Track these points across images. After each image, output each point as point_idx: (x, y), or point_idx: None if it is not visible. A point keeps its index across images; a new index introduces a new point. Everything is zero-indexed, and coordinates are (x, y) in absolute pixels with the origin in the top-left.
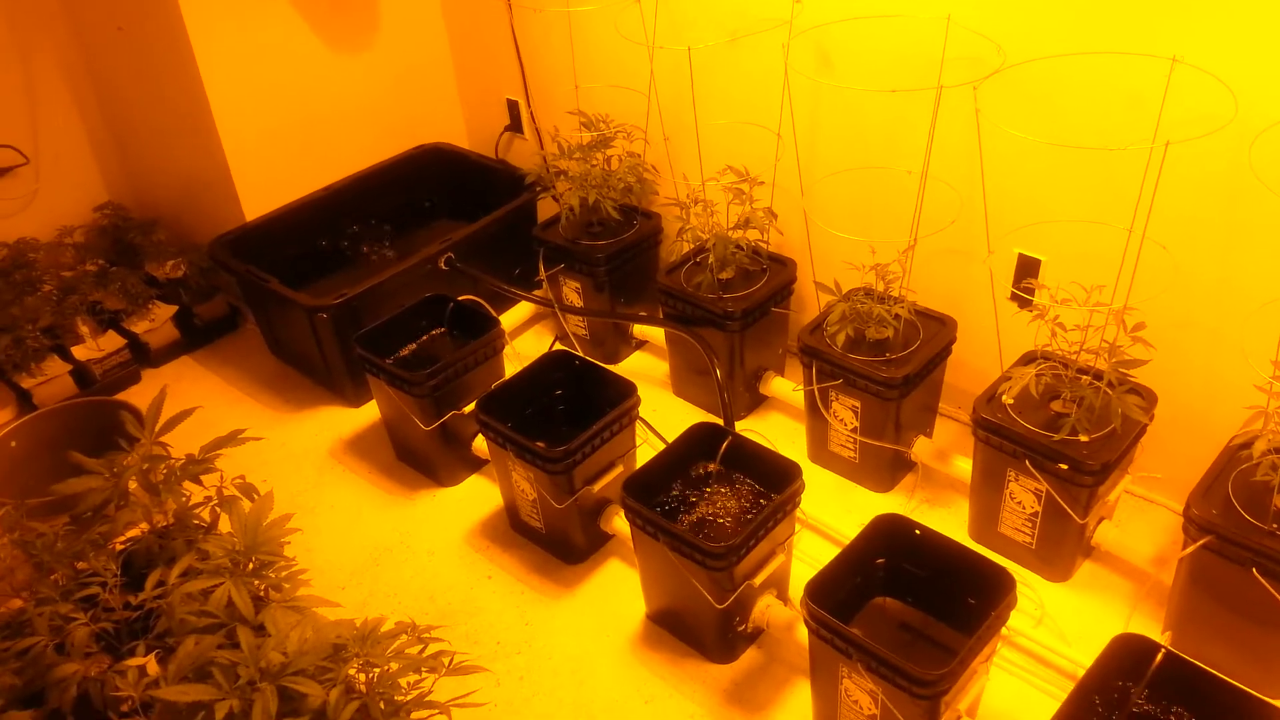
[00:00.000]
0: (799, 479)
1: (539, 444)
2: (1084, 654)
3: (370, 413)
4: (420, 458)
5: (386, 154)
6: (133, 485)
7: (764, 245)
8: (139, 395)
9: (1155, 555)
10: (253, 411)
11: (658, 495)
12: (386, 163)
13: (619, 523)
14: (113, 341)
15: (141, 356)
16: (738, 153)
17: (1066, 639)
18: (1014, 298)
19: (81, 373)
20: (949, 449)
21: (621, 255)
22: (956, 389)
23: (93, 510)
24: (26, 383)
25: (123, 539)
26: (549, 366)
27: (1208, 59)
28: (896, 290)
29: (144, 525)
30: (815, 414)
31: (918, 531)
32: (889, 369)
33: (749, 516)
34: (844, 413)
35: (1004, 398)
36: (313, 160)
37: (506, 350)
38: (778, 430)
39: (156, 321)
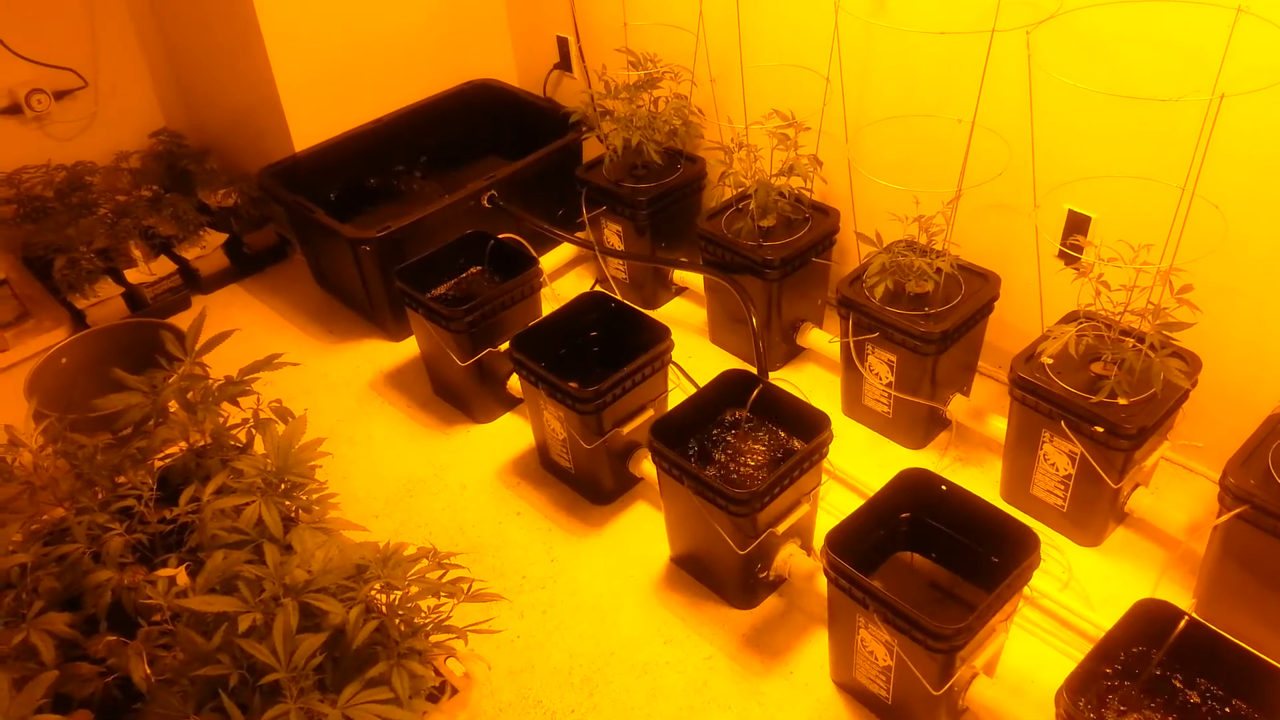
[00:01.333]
0: (827, 429)
1: (571, 384)
2: (1108, 619)
3: (410, 347)
4: (456, 394)
5: (435, 89)
6: (172, 405)
7: (807, 193)
8: (188, 320)
9: (1190, 524)
10: (296, 340)
11: (686, 439)
12: (435, 98)
13: (647, 466)
14: (164, 266)
15: (192, 282)
16: (785, 97)
17: (1092, 603)
18: (1061, 255)
19: (133, 295)
20: (985, 408)
21: (664, 199)
22: (997, 348)
23: (133, 426)
24: (80, 303)
25: (161, 455)
26: (585, 307)
27: (1274, 10)
28: (939, 243)
29: (182, 444)
30: (850, 367)
31: (944, 488)
32: (927, 323)
33: (775, 465)
34: (880, 367)
35: (1043, 357)
36: (362, 93)
37: (545, 291)
38: (813, 382)
39: (207, 249)
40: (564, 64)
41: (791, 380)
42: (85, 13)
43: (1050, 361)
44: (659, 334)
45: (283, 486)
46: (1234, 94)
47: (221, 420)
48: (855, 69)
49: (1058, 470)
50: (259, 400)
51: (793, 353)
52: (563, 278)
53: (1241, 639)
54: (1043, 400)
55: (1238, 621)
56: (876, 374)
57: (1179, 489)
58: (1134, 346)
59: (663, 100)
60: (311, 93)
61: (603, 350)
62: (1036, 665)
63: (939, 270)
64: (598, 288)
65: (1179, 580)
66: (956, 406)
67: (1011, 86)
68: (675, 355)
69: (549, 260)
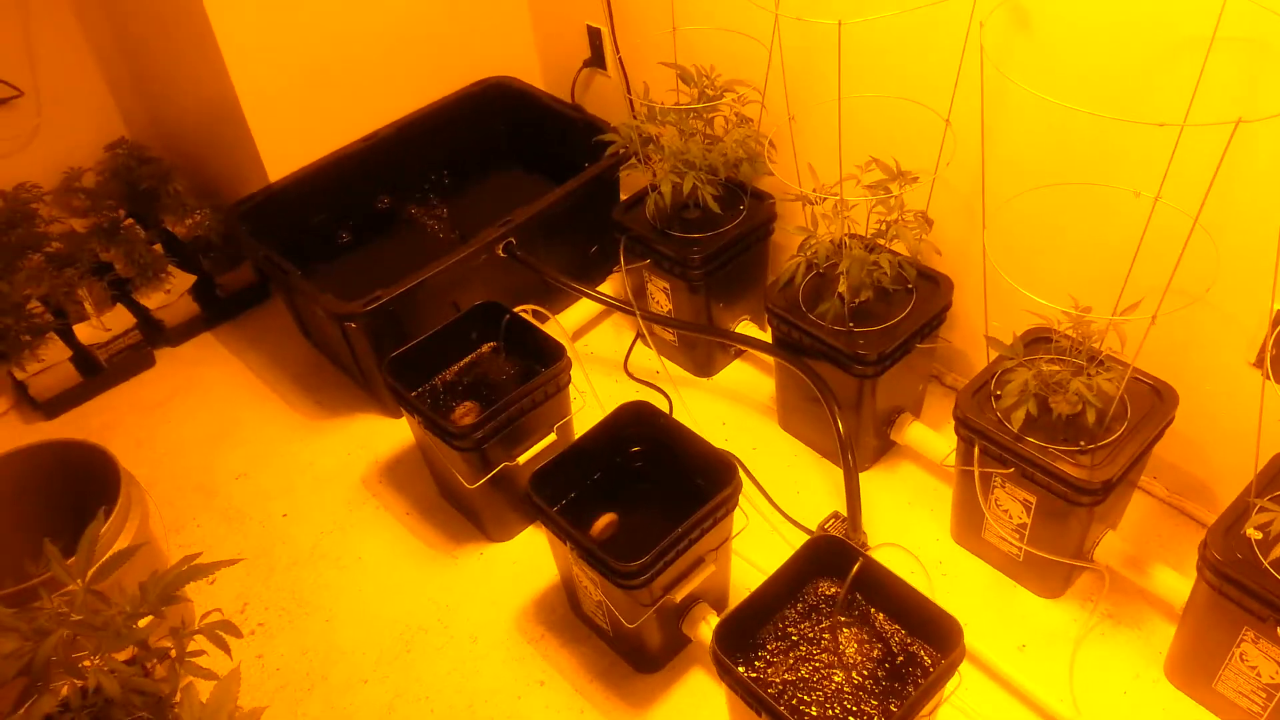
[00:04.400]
0: (959, 646)
1: (589, 536)
2: None
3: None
4: (465, 505)
5: (442, 92)
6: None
7: (911, 262)
8: (153, 381)
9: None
10: (277, 413)
11: (759, 630)
12: (441, 103)
13: (706, 630)
14: (121, 319)
15: (155, 334)
16: (884, 142)
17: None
18: (1259, 364)
19: (85, 357)
20: (1144, 554)
21: (724, 253)
22: (1163, 461)
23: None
24: (20, 374)
25: None
26: (626, 420)
27: None
28: (1100, 347)
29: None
30: (969, 495)
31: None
32: (1085, 467)
33: (888, 680)
34: (1012, 505)
35: (1250, 530)
36: (352, 104)
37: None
38: (910, 491)
39: (173, 294)
40: (596, 59)
41: (883, 486)
42: (11, 5)
43: (1260, 537)
44: (722, 471)
45: None
46: None
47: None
48: (993, 114)
49: (1260, 676)
50: (194, 613)
51: (885, 448)
52: (594, 330)
53: None
54: (1250, 598)
55: None
56: (1006, 512)
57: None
58: None
59: (720, 122)
60: (287, 109)
61: (648, 468)
62: None
63: (1102, 392)
64: (638, 346)
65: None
66: (1107, 549)
67: (1210, 155)
68: (736, 442)
69: (576, 312)
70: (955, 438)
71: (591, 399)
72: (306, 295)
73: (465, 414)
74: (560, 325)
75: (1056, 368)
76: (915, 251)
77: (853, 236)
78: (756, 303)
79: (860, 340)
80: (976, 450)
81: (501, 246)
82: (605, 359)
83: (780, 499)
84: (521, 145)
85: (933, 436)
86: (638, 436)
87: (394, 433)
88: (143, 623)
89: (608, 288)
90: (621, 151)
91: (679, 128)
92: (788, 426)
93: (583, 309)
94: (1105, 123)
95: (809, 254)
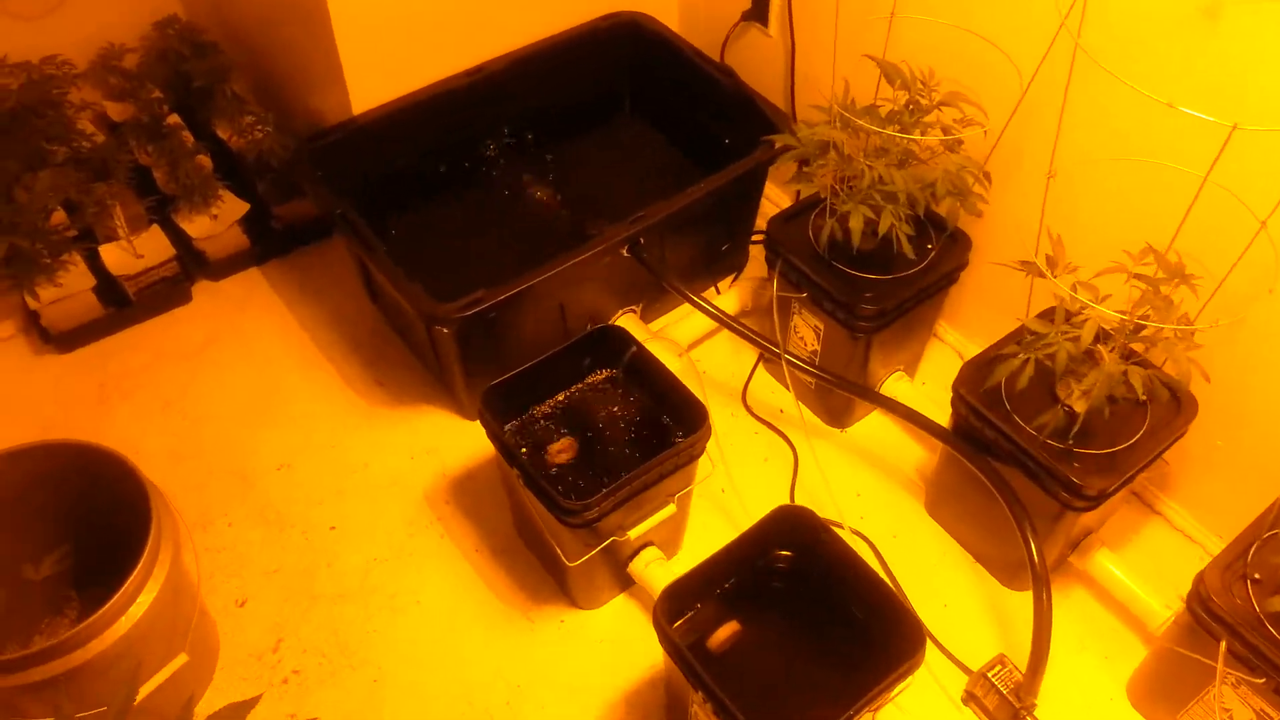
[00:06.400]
0: None
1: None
2: None
3: None
4: (548, 558)
5: (561, 25)
6: None
7: (1169, 382)
8: (188, 321)
9: None
10: (331, 390)
11: None
12: (559, 37)
13: None
14: (157, 245)
15: (195, 264)
16: (1136, 220)
17: None
18: None
19: (110, 287)
20: None
21: (903, 304)
22: None
23: None
24: (33, 302)
25: None
26: (778, 526)
27: None
28: None
29: None
30: (1184, 683)
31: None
32: None
33: None
34: (1240, 708)
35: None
36: (457, 28)
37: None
38: (1082, 629)
39: (221, 221)
40: (757, 12)
41: (1056, 618)
42: None
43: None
44: (899, 625)
45: None
46: None
47: None
48: None
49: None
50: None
51: (1056, 567)
52: (709, 342)
53: None
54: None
55: None
56: (1228, 710)
57: None
58: None
59: (924, 143)
60: (383, 24)
61: (792, 583)
62: None
63: None
64: (762, 368)
65: None
66: None
67: None
68: (872, 523)
69: (692, 322)
70: (1146, 567)
71: (721, 465)
72: (390, 279)
73: (561, 451)
74: (675, 341)
75: None
76: (1185, 376)
77: (1105, 339)
78: (916, 351)
79: (1077, 464)
80: (1223, 647)
81: (628, 247)
82: (719, 383)
83: (924, 612)
84: (646, 96)
85: (1122, 571)
86: (784, 540)
87: (468, 437)
88: None
89: (732, 295)
90: (783, 153)
91: (872, 141)
92: (936, 514)
93: (696, 320)
94: None
95: (1042, 356)
